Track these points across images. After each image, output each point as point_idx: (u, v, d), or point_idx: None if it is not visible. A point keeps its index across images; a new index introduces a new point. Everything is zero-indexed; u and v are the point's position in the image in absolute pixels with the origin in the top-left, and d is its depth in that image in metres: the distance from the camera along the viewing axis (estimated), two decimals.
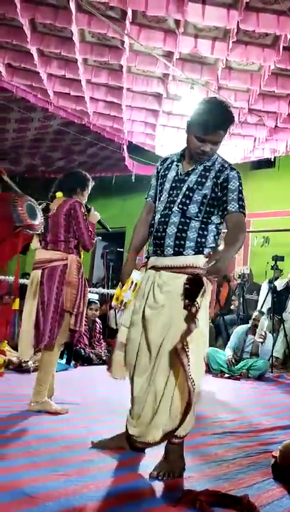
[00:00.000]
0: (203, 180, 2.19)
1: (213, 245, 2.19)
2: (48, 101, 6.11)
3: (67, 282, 3.07)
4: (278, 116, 5.86)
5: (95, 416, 3.20)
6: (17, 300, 3.33)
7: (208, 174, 2.19)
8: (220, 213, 2.18)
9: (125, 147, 7.46)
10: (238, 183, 2.15)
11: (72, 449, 2.38)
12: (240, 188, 2.15)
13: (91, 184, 3.49)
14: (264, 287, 7.27)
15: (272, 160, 7.94)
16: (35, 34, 4.75)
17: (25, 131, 7.86)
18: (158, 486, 1.96)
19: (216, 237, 2.22)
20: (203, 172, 2.20)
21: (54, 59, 5.23)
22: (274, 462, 2.21)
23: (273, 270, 7.06)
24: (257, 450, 2.59)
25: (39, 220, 2.98)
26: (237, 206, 2.13)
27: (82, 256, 3.30)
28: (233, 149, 7.02)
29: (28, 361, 4.77)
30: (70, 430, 2.76)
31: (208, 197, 2.16)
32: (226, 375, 5.50)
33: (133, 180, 8.38)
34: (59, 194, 3.28)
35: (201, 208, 2.16)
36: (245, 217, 2.16)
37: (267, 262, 7.68)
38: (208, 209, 2.17)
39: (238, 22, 4.09)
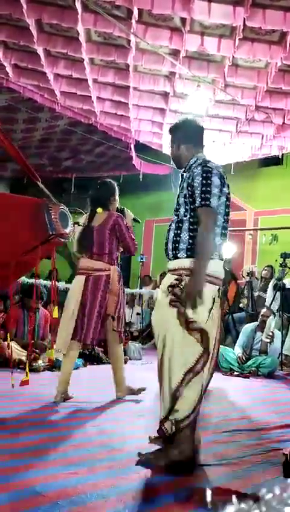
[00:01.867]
0: (182, 183, 2.30)
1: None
2: (55, 101, 6.13)
3: (110, 291, 3.51)
4: (286, 113, 5.83)
5: (105, 415, 3.21)
6: (56, 308, 3.38)
7: (184, 175, 2.32)
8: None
9: (132, 146, 7.46)
10: (201, 178, 2.17)
11: (82, 447, 2.39)
12: (203, 182, 2.16)
13: (117, 187, 3.81)
14: (272, 285, 7.23)
15: (280, 157, 7.90)
16: (41, 34, 4.77)
17: (33, 132, 7.89)
18: (170, 484, 1.97)
19: None
20: (183, 176, 2.33)
21: (61, 59, 5.24)
22: (285, 460, 2.20)
23: (281, 267, 7.01)
24: (267, 448, 2.58)
25: (70, 229, 3.07)
26: (199, 200, 2.14)
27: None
28: (240, 147, 7.00)
29: (38, 360, 4.80)
30: (80, 429, 2.77)
31: (187, 196, 2.22)
32: (236, 373, 5.49)
33: (141, 179, 8.40)
34: (99, 210, 3.65)
35: (186, 208, 2.22)
36: (209, 207, 2.14)
37: (276, 260, 7.65)
38: (192, 208, 2.20)
39: (244, 19, 4.08)
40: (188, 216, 2.21)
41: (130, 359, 6.00)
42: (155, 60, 4.96)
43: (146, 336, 7.90)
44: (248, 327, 6.05)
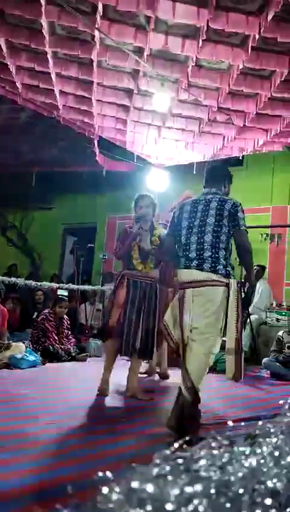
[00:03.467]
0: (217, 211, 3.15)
1: None
2: (17, 94, 6.02)
3: None
4: (246, 116, 5.95)
5: (64, 412, 3.20)
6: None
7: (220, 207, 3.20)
8: None
9: (96, 142, 7.43)
10: (240, 212, 3.15)
11: (41, 445, 2.38)
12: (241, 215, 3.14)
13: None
14: None
15: (241, 158, 8.06)
16: (4, 26, 4.67)
17: None
18: None
19: None
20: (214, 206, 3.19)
21: (23, 51, 5.15)
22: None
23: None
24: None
25: None
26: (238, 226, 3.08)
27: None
28: (203, 147, 7.09)
29: None
30: (38, 426, 2.76)
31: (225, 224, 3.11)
32: None
33: (104, 176, 8.37)
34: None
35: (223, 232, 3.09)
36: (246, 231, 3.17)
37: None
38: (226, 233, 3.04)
39: (208, 20, 4.13)
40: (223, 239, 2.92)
41: (89, 356, 5.99)
42: (119, 57, 4.95)
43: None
44: None
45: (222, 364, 5.58)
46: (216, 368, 5.62)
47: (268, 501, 0.40)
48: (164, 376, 4.95)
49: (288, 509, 0.43)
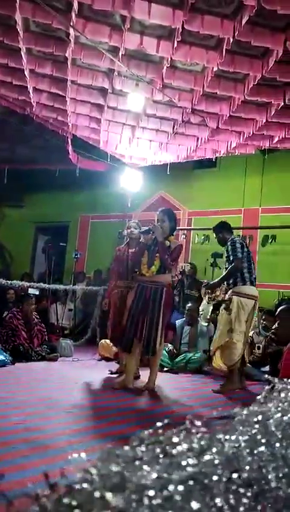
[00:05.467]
0: (225, 253, 4.78)
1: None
2: None
3: None
4: (220, 118, 6.01)
5: (33, 411, 3.16)
6: None
7: (225, 250, 4.77)
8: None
9: (69, 140, 7.37)
10: (230, 247, 4.65)
11: (9, 445, 2.35)
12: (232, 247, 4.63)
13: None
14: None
15: (214, 160, 8.14)
16: None
17: None
18: None
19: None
20: (225, 251, 4.77)
21: None
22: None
23: (212, 266, 7.29)
24: None
25: None
26: (232, 257, 4.58)
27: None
28: (177, 148, 7.14)
29: None
30: (7, 426, 2.72)
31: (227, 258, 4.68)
32: (165, 369, 5.61)
33: (78, 175, 8.31)
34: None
35: (227, 264, 4.67)
36: (236, 259, 4.56)
37: (207, 259, 7.90)
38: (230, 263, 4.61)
39: (183, 22, 4.16)
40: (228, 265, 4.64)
41: (60, 356, 5.95)
42: (94, 56, 4.93)
43: (78, 332, 7.85)
44: (176, 323, 6.20)
45: (193, 365, 5.66)
46: (187, 368, 5.69)
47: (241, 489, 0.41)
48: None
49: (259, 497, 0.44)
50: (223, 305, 4.60)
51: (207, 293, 5.05)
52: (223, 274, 4.70)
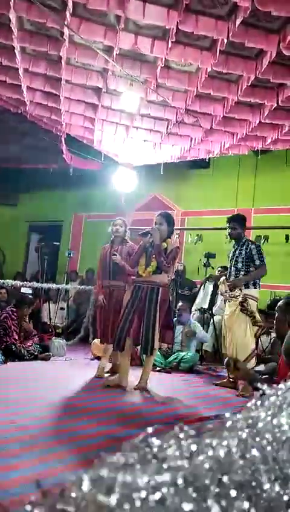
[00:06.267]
0: (241, 252, 4.77)
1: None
2: None
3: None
4: (213, 118, 6.03)
5: (24, 411, 3.16)
6: None
7: (242, 249, 4.77)
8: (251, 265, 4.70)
9: (63, 139, 7.36)
10: (256, 251, 4.72)
11: (1, 445, 2.34)
12: (258, 251, 4.74)
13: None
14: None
15: (207, 161, 8.17)
16: None
17: None
18: None
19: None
20: (240, 249, 4.78)
21: None
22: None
23: (205, 266, 7.31)
24: None
25: None
26: (259, 261, 4.69)
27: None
28: (170, 148, 7.15)
29: None
30: None
31: (244, 258, 4.73)
32: (158, 369, 5.62)
33: (71, 174, 8.30)
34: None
35: (242, 264, 4.73)
36: (263, 265, 4.73)
37: (200, 259, 7.92)
38: (246, 264, 4.72)
39: (177, 22, 4.17)
40: (244, 268, 4.72)
41: (52, 355, 5.94)
42: (88, 55, 4.92)
43: (71, 332, 7.84)
44: None
45: (185, 364, 5.68)
46: (179, 367, 5.71)
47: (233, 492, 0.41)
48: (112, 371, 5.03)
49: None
50: (239, 307, 4.61)
51: (228, 290, 4.86)
52: (252, 274, 4.70)
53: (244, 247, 4.78)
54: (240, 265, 4.75)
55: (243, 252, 4.76)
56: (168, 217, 4.57)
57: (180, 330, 6.06)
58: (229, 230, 4.93)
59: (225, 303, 5.06)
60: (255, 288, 4.73)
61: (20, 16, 4.42)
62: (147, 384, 4.27)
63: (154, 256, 4.29)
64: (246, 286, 4.69)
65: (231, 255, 4.97)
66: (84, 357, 6.18)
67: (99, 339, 5.09)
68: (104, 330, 4.87)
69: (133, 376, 4.38)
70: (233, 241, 5.02)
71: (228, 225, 4.93)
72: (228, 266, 5.02)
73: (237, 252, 4.82)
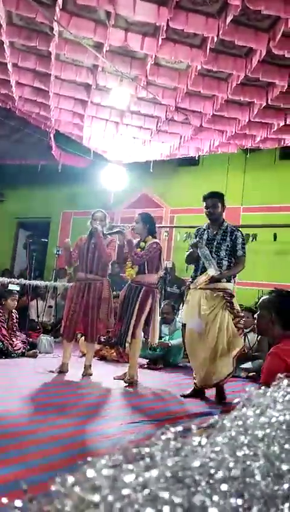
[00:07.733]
0: (225, 238, 4.15)
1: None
2: None
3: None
4: (203, 116, 6.03)
5: (10, 409, 3.14)
6: None
7: (226, 235, 4.16)
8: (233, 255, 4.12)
9: (52, 135, 7.31)
10: (241, 240, 4.16)
11: None
12: (242, 241, 4.16)
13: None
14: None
15: (197, 158, 8.17)
16: None
17: None
18: None
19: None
20: (223, 235, 4.17)
21: None
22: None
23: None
24: None
25: None
26: (241, 252, 4.11)
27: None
28: (160, 145, 7.14)
29: None
30: None
31: (229, 247, 4.11)
32: (146, 366, 5.63)
33: (60, 170, 8.25)
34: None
35: (226, 253, 4.11)
36: (245, 257, 4.15)
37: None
38: (230, 254, 4.12)
39: (168, 19, 4.16)
40: (228, 257, 4.12)
41: (40, 353, 5.91)
42: (78, 51, 4.89)
43: (59, 329, 7.80)
44: None
45: (172, 359, 5.68)
46: (166, 363, 5.71)
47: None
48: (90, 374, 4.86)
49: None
50: (223, 303, 4.02)
51: (207, 282, 4.37)
52: (234, 268, 4.11)
53: (228, 234, 4.15)
54: (223, 253, 4.10)
55: (228, 239, 4.13)
56: (144, 216, 4.75)
57: (167, 330, 6.06)
58: (210, 209, 4.20)
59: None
60: (233, 282, 4.22)
61: (9, 11, 4.37)
62: (133, 379, 4.34)
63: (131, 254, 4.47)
64: (228, 280, 4.10)
65: (206, 237, 4.22)
66: (72, 354, 6.16)
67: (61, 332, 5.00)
68: (68, 323, 4.72)
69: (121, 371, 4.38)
70: (206, 223, 4.34)
71: (206, 203, 4.23)
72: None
73: (220, 237, 4.16)
